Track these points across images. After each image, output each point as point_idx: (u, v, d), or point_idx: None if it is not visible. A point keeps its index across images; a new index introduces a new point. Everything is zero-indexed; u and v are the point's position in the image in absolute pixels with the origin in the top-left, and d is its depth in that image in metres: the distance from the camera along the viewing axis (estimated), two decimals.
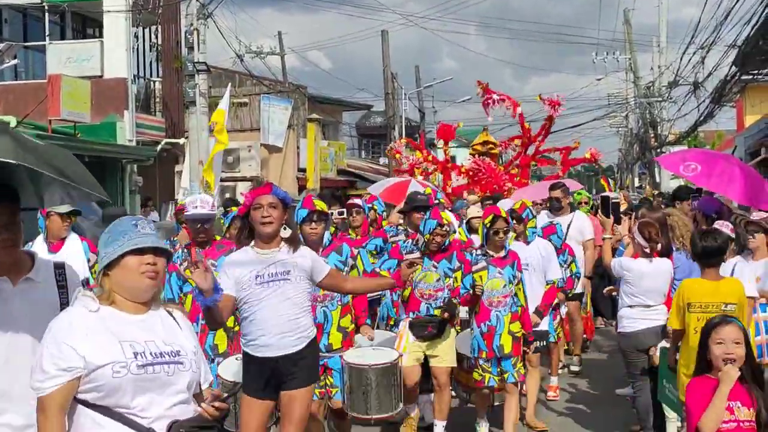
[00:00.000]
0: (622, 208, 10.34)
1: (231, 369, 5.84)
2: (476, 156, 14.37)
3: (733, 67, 19.78)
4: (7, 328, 3.45)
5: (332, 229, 7.68)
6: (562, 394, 9.07)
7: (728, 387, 4.09)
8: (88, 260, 7.63)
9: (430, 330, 6.88)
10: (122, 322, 3.15)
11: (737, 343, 4.20)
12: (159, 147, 21.92)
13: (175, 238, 8.91)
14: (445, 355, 7.00)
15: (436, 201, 9.14)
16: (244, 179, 24.64)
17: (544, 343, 7.98)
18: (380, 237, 8.31)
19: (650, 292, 6.86)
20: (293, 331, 5.17)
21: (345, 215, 9.13)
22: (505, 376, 7.04)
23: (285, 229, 5.29)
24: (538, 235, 8.22)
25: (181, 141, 21.77)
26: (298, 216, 6.14)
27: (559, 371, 9.35)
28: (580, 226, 10.01)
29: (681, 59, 26.08)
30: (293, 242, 5.30)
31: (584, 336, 10.73)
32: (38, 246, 7.36)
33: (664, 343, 6.58)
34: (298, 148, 29.08)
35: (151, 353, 3.11)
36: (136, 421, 3.05)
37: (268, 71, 31.01)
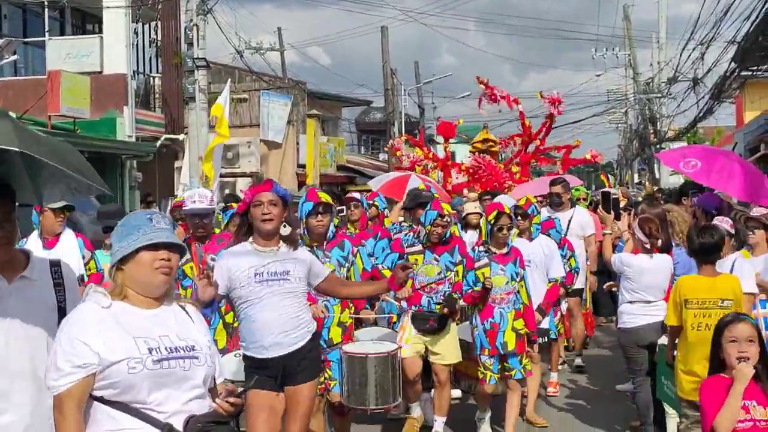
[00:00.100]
0: (621, 204, 10.34)
1: (230, 366, 5.81)
2: (476, 154, 14.35)
3: (733, 63, 19.77)
4: (3, 327, 3.40)
5: (336, 220, 7.66)
6: (562, 390, 9.09)
7: (743, 386, 4.01)
8: (83, 257, 7.62)
9: (431, 323, 6.87)
10: (135, 317, 3.13)
11: (751, 341, 4.14)
12: (158, 143, 21.90)
13: None
14: (446, 352, 7.00)
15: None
16: (243, 175, 24.61)
17: (546, 339, 7.97)
18: (385, 237, 8.26)
19: (650, 287, 6.87)
20: (296, 328, 5.14)
21: (344, 210, 9.13)
22: (512, 373, 7.03)
23: (285, 227, 5.24)
24: (550, 232, 8.20)
25: (181, 137, 21.74)
26: (304, 209, 6.10)
27: (559, 367, 9.37)
28: (581, 221, 9.99)
29: (680, 55, 26.16)
30: (292, 242, 5.25)
31: (584, 332, 10.73)
32: (33, 242, 7.30)
33: (663, 340, 6.59)
34: (297, 143, 29.04)
35: (165, 348, 3.09)
36: (153, 416, 3.03)
37: (268, 67, 31.05)
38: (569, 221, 9.80)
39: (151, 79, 24.24)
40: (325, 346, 6.09)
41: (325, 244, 6.16)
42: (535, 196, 9.33)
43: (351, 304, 6.45)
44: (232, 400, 3.15)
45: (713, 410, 4.02)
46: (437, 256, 6.92)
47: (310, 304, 5.73)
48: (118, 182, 19.92)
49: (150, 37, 24.14)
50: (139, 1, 21.46)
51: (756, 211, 7.51)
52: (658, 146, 34.32)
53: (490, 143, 14.63)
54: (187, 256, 6.25)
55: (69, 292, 3.56)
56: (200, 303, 4.24)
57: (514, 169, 14.33)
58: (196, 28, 17.82)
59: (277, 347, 5.09)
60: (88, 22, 24.04)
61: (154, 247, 3.13)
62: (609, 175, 32.43)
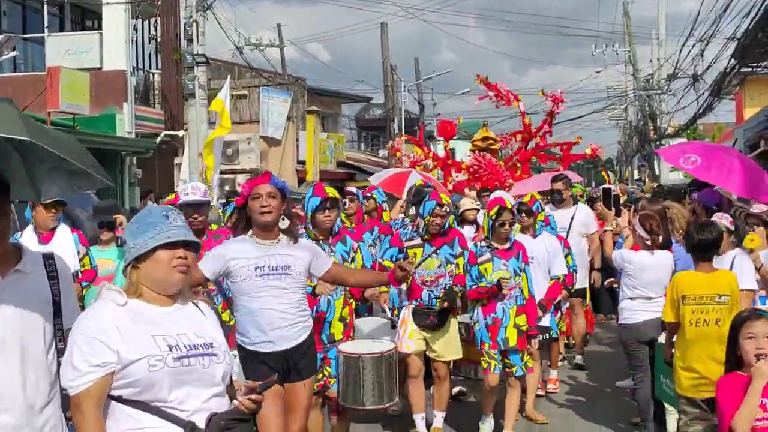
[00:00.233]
0: (621, 200, 10.33)
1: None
2: (476, 152, 14.33)
3: (733, 60, 19.76)
4: None
5: (342, 215, 7.64)
6: (562, 387, 9.08)
7: (761, 383, 3.90)
8: (78, 252, 7.60)
9: (432, 319, 6.85)
10: (152, 315, 3.09)
11: None
12: (158, 139, 21.92)
13: None
14: (446, 349, 6.98)
15: None
16: (243, 171, 24.58)
17: (547, 336, 7.94)
18: (383, 233, 8.23)
19: (651, 284, 6.87)
20: (297, 322, 5.15)
21: (346, 204, 9.08)
22: (513, 369, 7.00)
23: (283, 220, 5.21)
24: (545, 229, 8.16)
25: (181, 133, 21.74)
26: (311, 204, 6.06)
27: (559, 364, 9.36)
28: (583, 218, 9.90)
29: (680, 52, 26.15)
30: (292, 234, 5.23)
31: (585, 329, 10.71)
32: (27, 237, 7.26)
33: (662, 338, 6.58)
34: (297, 140, 29.05)
35: (184, 346, 3.05)
36: (174, 414, 2.99)
37: (268, 63, 30.98)
38: (572, 218, 9.73)
39: (151, 75, 24.25)
40: (326, 341, 6.08)
41: (330, 238, 6.14)
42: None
43: (350, 297, 6.40)
44: (254, 397, 3.11)
45: (731, 409, 3.91)
46: (437, 249, 6.88)
47: (315, 284, 5.75)
48: (117, 178, 19.93)
49: (149, 33, 24.15)
50: None
51: (756, 208, 7.50)
52: (658, 143, 34.29)
53: (490, 141, 14.59)
54: None
55: (63, 285, 3.50)
56: None
57: (517, 165, 14.28)
58: (196, 24, 17.80)
59: (283, 340, 5.08)
60: (87, 18, 24.03)
61: (172, 245, 3.09)
62: (609, 172, 32.41)
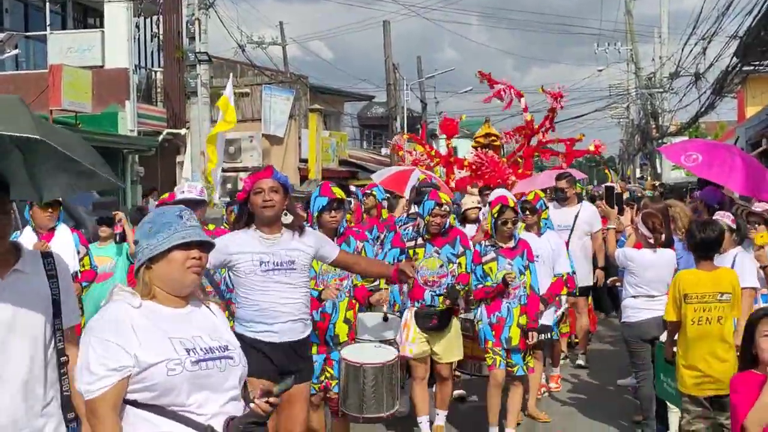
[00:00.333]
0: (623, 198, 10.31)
1: None
2: (479, 149, 14.31)
3: (735, 58, 19.74)
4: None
5: (348, 216, 7.63)
6: (564, 385, 9.08)
7: None
8: (78, 252, 7.59)
9: (434, 322, 6.80)
10: (167, 317, 3.03)
11: None
12: (161, 137, 21.94)
13: None
14: (448, 351, 6.94)
15: None
16: (245, 169, 24.60)
17: (549, 336, 7.92)
18: (391, 231, 8.21)
19: (654, 282, 6.87)
20: (301, 318, 5.14)
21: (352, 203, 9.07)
22: (515, 369, 6.97)
23: (286, 215, 5.19)
24: (549, 228, 8.13)
25: (183, 131, 21.75)
26: (317, 204, 6.03)
27: (561, 362, 9.36)
28: (588, 217, 9.80)
29: (682, 50, 26.13)
30: (296, 227, 5.19)
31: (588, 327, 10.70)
32: (27, 237, 7.22)
33: (663, 337, 6.58)
34: (299, 138, 29.07)
35: (201, 349, 2.99)
36: (193, 419, 2.93)
37: (270, 61, 31.04)
38: (576, 217, 9.68)
39: (153, 73, 24.26)
40: (331, 343, 6.05)
41: (335, 239, 6.12)
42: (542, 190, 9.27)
43: (356, 302, 6.37)
44: (272, 400, 3.02)
45: (745, 408, 3.83)
46: (438, 249, 6.84)
47: (321, 288, 5.76)
48: (119, 177, 19.93)
49: (152, 31, 24.18)
50: None
51: (758, 206, 7.50)
52: (660, 141, 34.27)
53: (493, 138, 14.58)
54: None
55: (63, 284, 3.46)
56: None
57: (519, 162, 14.26)
58: (198, 22, 17.82)
59: (286, 333, 5.06)
60: (89, 16, 24.03)
61: (186, 245, 3.04)
62: (611, 170, 32.40)
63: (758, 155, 18.71)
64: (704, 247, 5.93)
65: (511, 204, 6.95)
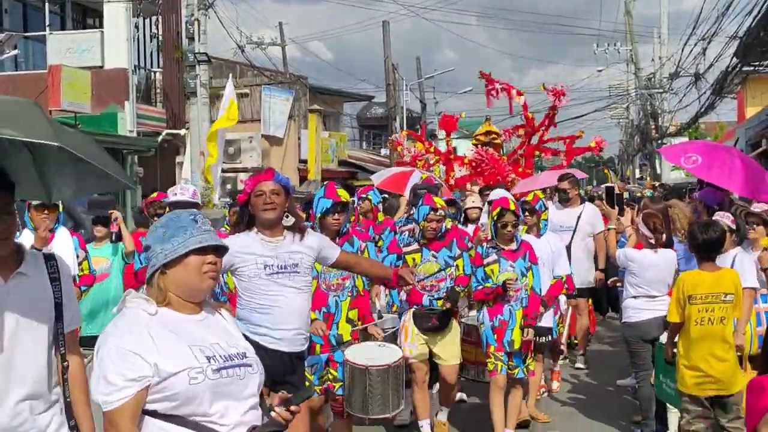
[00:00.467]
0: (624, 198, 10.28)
1: None
2: (479, 146, 14.29)
3: (735, 59, 19.74)
4: (3, 327, 3.24)
5: (352, 217, 7.60)
6: (563, 385, 9.08)
7: None
8: (77, 256, 7.55)
9: (433, 322, 6.78)
10: (184, 324, 2.94)
11: None
12: (160, 138, 21.93)
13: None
14: (449, 353, 6.91)
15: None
16: (245, 170, 24.62)
17: (549, 338, 7.90)
18: (392, 231, 8.19)
19: (655, 282, 6.86)
20: (303, 332, 5.11)
21: (355, 203, 9.06)
22: (515, 372, 6.94)
23: (287, 217, 5.13)
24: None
25: (182, 132, 21.74)
26: (321, 206, 5.99)
27: (561, 362, 9.36)
28: (591, 218, 9.73)
29: (682, 50, 26.16)
30: (299, 230, 5.15)
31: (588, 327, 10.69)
32: (26, 240, 7.21)
33: (662, 338, 6.58)
34: (299, 139, 29.08)
35: (221, 356, 2.90)
36: (216, 429, 2.84)
37: (269, 62, 31.02)
38: (578, 218, 9.63)
39: (153, 73, 24.25)
40: (334, 342, 6.02)
41: (337, 239, 6.10)
42: (542, 190, 9.25)
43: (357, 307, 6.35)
44: (292, 408, 2.95)
45: (759, 413, 3.59)
46: (435, 253, 6.81)
47: (312, 320, 5.65)
48: None
49: (151, 31, 24.15)
50: None
51: (756, 207, 7.51)
52: (659, 142, 34.29)
53: (493, 135, 14.56)
54: None
55: (65, 287, 3.43)
56: None
57: (519, 161, 14.24)
58: (197, 22, 17.84)
59: (286, 343, 5.00)
60: (88, 16, 24.04)
61: (203, 250, 2.94)
62: (611, 171, 32.41)
63: (758, 156, 18.74)
64: (707, 248, 5.94)
65: (512, 207, 6.87)
